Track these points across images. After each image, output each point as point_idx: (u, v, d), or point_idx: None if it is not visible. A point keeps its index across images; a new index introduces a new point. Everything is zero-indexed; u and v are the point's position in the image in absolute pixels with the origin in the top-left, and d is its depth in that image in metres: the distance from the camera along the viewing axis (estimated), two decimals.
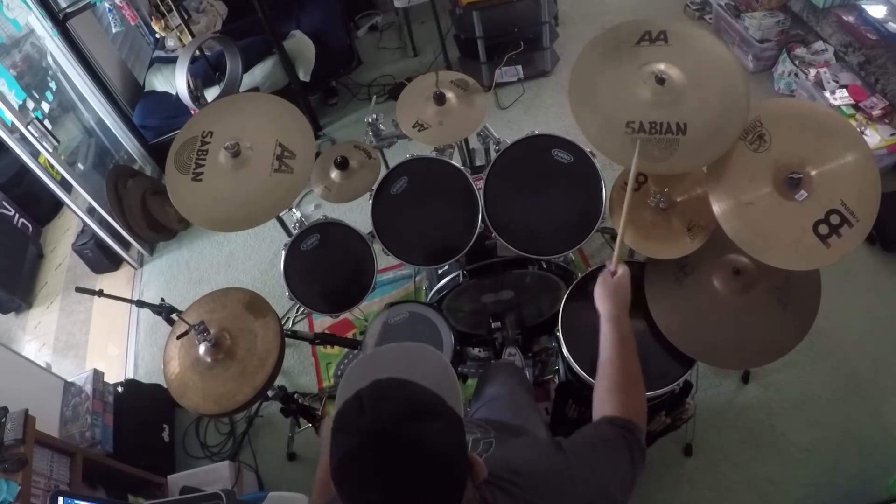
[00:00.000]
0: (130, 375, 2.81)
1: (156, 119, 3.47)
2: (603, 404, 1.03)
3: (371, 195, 1.80)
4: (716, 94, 1.29)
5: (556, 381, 1.97)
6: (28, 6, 2.92)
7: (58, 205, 3.63)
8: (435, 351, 0.88)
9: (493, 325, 1.95)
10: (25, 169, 2.90)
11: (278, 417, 2.12)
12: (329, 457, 0.71)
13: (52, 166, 2.85)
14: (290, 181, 1.58)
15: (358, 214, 2.67)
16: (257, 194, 1.58)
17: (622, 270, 1.22)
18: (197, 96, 2.66)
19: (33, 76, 2.93)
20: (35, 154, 2.77)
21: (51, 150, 2.78)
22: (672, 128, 1.28)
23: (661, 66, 1.30)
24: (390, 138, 2.15)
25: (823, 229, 1.20)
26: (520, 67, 3.48)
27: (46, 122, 2.83)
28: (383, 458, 0.66)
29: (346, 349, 2.54)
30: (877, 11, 2.67)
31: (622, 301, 1.17)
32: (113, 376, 2.57)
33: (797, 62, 2.93)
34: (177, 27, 3.32)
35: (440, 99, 1.86)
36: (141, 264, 3.34)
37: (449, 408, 0.73)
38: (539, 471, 0.88)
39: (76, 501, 1.72)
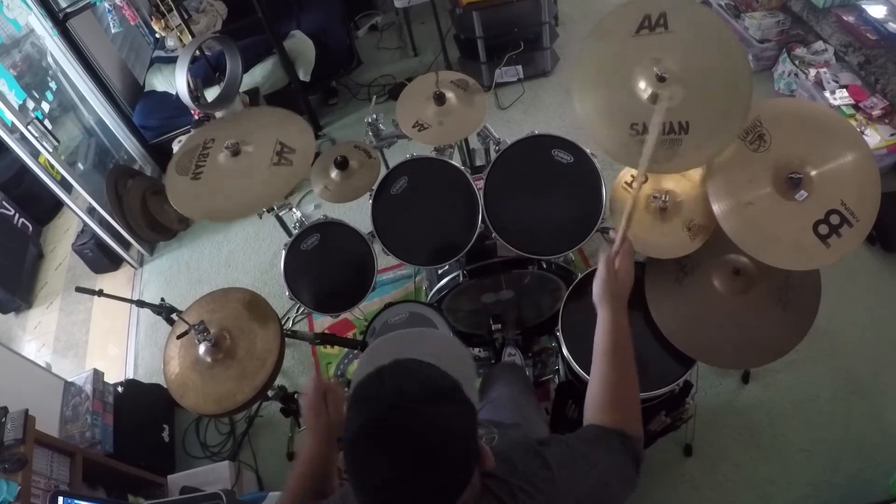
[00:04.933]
0: (130, 375, 2.81)
1: (156, 119, 3.47)
2: (595, 414, 1.00)
3: (371, 195, 1.80)
4: (717, 83, 1.25)
5: (556, 381, 1.97)
6: (28, 6, 2.92)
7: (58, 205, 3.63)
8: (457, 340, 0.89)
9: (493, 326, 1.96)
10: (25, 169, 2.91)
11: (278, 417, 2.12)
12: (345, 426, 0.72)
13: (52, 166, 2.85)
14: (288, 172, 1.59)
15: (358, 214, 2.65)
16: (255, 185, 1.58)
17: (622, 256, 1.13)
18: (197, 96, 2.67)
19: (33, 76, 2.93)
20: (35, 154, 2.77)
21: (51, 150, 2.78)
22: (675, 127, 1.26)
23: (662, 63, 1.27)
24: (390, 138, 2.15)
25: (823, 229, 1.20)
26: (520, 67, 3.48)
27: (46, 122, 2.83)
28: (396, 434, 0.68)
29: (346, 349, 2.54)
30: (877, 11, 2.67)
31: (620, 288, 1.10)
32: (113, 376, 2.57)
33: (797, 62, 2.93)
34: (177, 27, 3.31)
35: (440, 99, 1.86)
36: (141, 264, 3.34)
37: (464, 395, 0.75)
38: (536, 464, 0.88)
39: (76, 501, 1.72)
